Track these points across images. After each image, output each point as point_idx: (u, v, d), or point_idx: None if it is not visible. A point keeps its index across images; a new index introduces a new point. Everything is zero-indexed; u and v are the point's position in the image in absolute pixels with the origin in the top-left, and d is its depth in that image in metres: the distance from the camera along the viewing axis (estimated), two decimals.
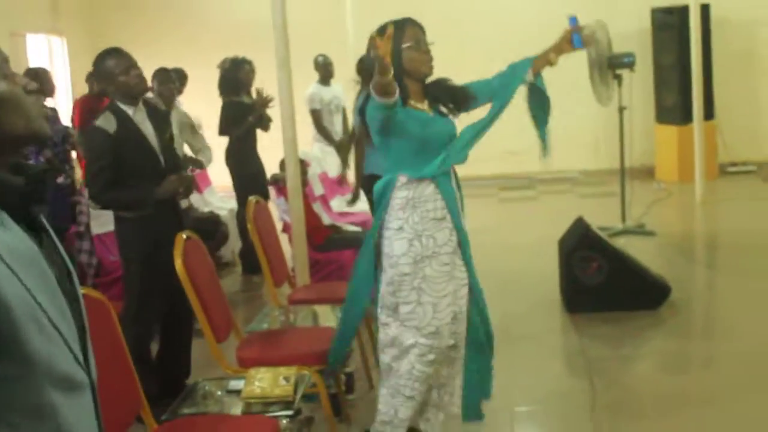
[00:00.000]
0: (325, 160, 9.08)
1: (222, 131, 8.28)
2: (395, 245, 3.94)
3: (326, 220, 7.42)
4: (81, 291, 1.76)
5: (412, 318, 3.94)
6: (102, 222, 6.81)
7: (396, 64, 3.76)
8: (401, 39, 3.87)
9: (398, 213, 3.95)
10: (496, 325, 6.18)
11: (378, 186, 4.04)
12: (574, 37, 4.18)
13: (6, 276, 1.48)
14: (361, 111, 4.03)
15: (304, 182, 6.64)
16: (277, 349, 4.33)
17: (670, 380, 5.22)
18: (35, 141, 1.67)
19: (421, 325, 3.93)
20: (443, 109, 4.09)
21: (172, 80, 6.93)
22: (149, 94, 6.16)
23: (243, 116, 8.10)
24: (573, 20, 4.21)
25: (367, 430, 4.22)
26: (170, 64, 8.79)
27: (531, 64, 4.18)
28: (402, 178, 3.95)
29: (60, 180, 7.26)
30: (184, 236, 4.18)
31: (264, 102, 7.69)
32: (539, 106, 4.32)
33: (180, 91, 8.39)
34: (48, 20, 12.23)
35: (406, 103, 3.90)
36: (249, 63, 8.47)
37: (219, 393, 3.88)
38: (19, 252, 1.52)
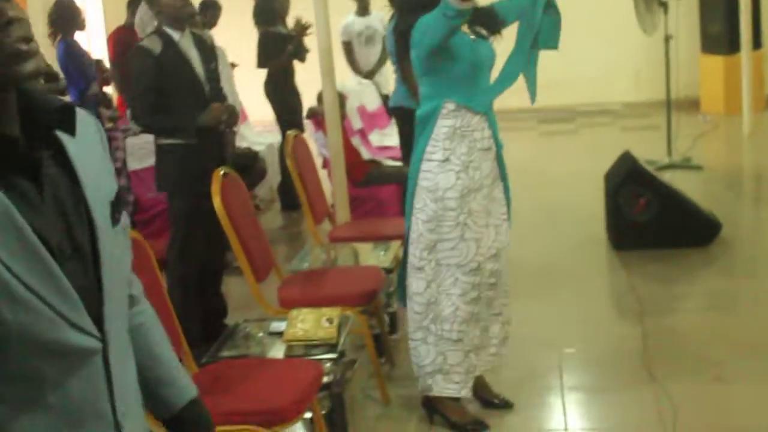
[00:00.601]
0: (364, 93, 8.87)
1: (260, 63, 8.11)
2: (440, 178, 3.70)
3: (365, 154, 7.25)
4: (112, 241, 1.57)
5: (454, 255, 3.74)
6: (139, 157, 6.69)
7: None
8: None
9: (444, 143, 3.71)
10: (539, 262, 6.11)
11: (420, 114, 3.80)
12: None
13: None
14: (401, 33, 3.80)
15: (343, 116, 6.46)
16: (319, 289, 4.20)
17: (723, 320, 5.05)
18: (11, 81, 1.45)
19: (464, 262, 3.73)
20: (483, 33, 3.87)
21: (198, 11, 6.73)
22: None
23: (281, 47, 7.91)
24: None
25: (426, 396, 3.98)
26: None
27: None
28: (449, 105, 3.71)
29: (108, 114, 7.16)
30: (222, 173, 4.04)
31: (302, 31, 7.49)
32: (549, 26, 3.91)
33: (213, 24, 8.19)
34: None
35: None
36: None
37: (260, 335, 3.76)
38: None
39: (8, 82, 1.44)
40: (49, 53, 7.31)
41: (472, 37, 3.77)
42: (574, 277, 5.86)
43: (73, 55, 7.03)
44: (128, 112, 4.78)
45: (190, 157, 4.63)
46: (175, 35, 4.66)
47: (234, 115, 4.80)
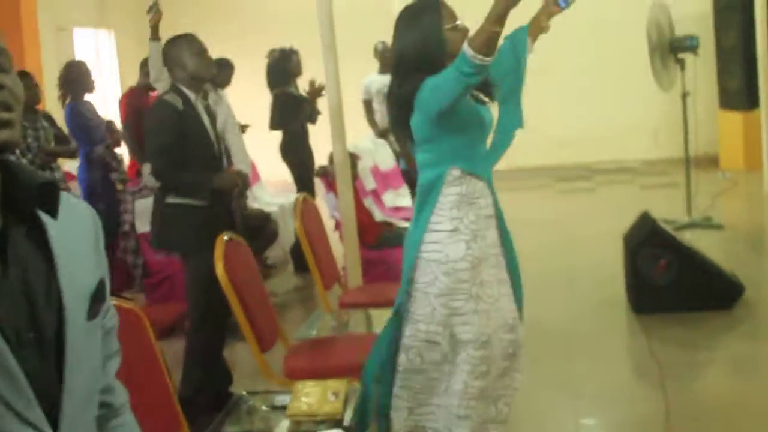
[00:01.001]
0: (378, 153, 8.78)
1: (274, 125, 8.06)
2: (450, 249, 3.49)
3: (378, 216, 7.13)
4: (83, 334, 1.46)
5: (465, 330, 3.50)
6: (147, 219, 6.59)
7: (439, 47, 3.45)
8: (441, 19, 3.49)
9: (451, 212, 3.51)
10: (556, 325, 5.94)
11: (423, 183, 3.59)
12: None
13: None
14: (400, 98, 3.59)
15: (354, 176, 6.35)
16: (327, 359, 4.05)
17: (747, 386, 4.86)
18: None
19: (475, 337, 3.50)
20: (481, 97, 3.70)
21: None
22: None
23: (295, 108, 7.86)
24: None
25: None
26: (216, 55, 8.58)
27: (527, 33, 3.77)
28: (455, 172, 3.52)
29: (113, 176, 7.08)
30: (225, 237, 3.92)
31: (316, 93, 7.44)
32: (516, 85, 3.75)
33: (227, 83, 8.16)
34: (95, 14, 12.10)
35: None
36: (296, 53, 8.22)
37: (264, 408, 3.62)
38: None
39: None
40: (60, 115, 7.29)
41: (472, 101, 3.63)
42: (592, 340, 5.69)
43: (78, 117, 7.00)
44: (145, 168, 4.68)
45: (198, 219, 4.54)
46: (192, 95, 4.62)
47: (246, 183, 4.72)
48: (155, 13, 5.54)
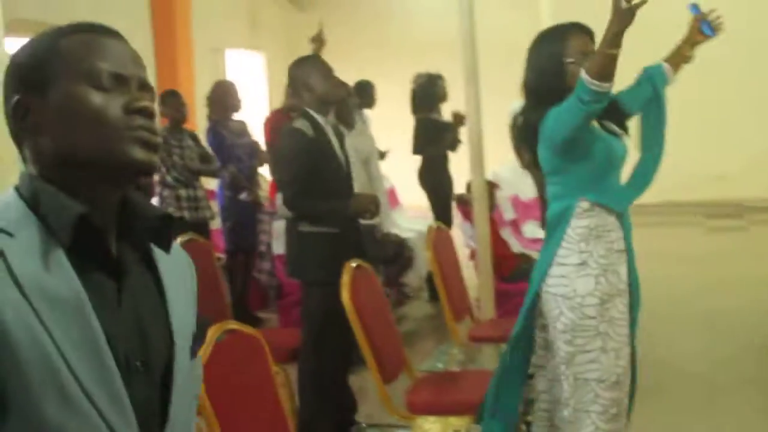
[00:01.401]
0: (519, 182, 8.60)
1: (416, 149, 8.01)
2: (578, 284, 3.35)
3: (516, 247, 6.96)
4: (188, 370, 1.47)
5: (593, 369, 3.35)
6: (284, 241, 6.61)
7: (557, 78, 3.32)
8: (564, 50, 3.36)
9: (579, 245, 3.37)
10: (694, 370, 5.64)
11: (551, 215, 3.47)
12: (702, 25, 3.57)
13: (24, 321, 1.21)
14: (526, 122, 3.49)
15: (493, 206, 6.22)
16: (451, 395, 3.91)
17: None
18: (119, 170, 1.38)
19: (604, 376, 3.34)
20: (613, 128, 3.52)
21: (351, 93, 6.62)
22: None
23: (437, 134, 7.80)
24: (695, 8, 3.61)
25: None
26: (359, 78, 8.61)
27: (664, 65, 3.57)
28: (584, 204, 3.37)
29: (242, 196, 7.14)
30: (353, 265, 3.85)
31: (460, 121, 7.38)
32: (657, 120, 3.58)
33: (370, 104, 8.16)
34: (247, 36, 12.35)
35: None
36: (442, 78, 8.16)
37: None
38: (58, 299, 1.25)
39: (119, 163, 1.36)
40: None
41: (602, 132, 3.47)
42: (737, 389, 5.36)
43: (216, 136, 7.08)
44: (278, 197, 4.63)
45: (330, 247, 4.45)
46: (320, 120, 4.53)
47: (378, 207, 4.59)
48: (318, 42, 5.52)
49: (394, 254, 7.16)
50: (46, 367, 1.22)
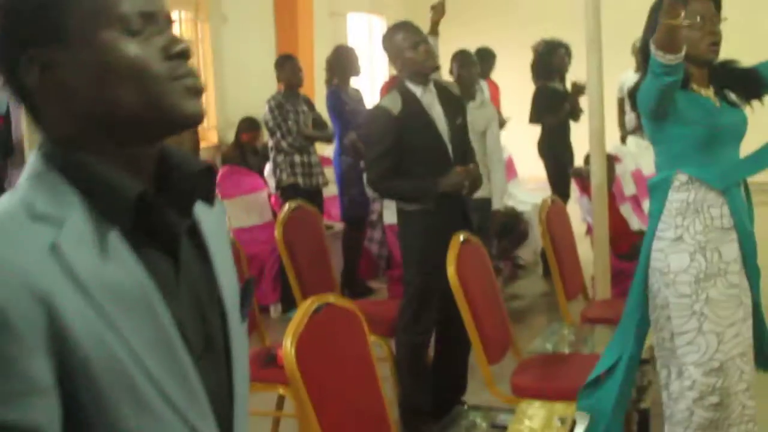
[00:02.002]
0: (642, 156, 8.26)
1: (533, 118, 7.78)
2: (671, 259, 3.19)
3: (635, 224, 6.66)
4: (242, 338, 1.32)
5: (690, 351, 3.17)
6: (395, 210, 6.49)
7: None
8: (681, 14, 3.14)
9: (675, 219, 3.20)
10: None
11: (650, 185, 3.34)
12: None
13: (91, 325, 1.06)
14: (631, 94, 3.34)
15: (612, 180, 5.95)
16: (558, 379, 3.71)
17: None
18: (168, 126, 1.21)
19: (702, 360, 3.15)
20: (732, 98, 3.31)
21: (474, 63, 6.41)
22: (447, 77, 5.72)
23: (556, 103, 7.55)
24: None
25: None
26: (485, 44, 8.41)
27: None
28: (681, 177, 3.20)
29: (363, 164, 7.04)
30: (461, 238, 3.69)
31: (579, 91, 7.13)
32: None
33: (487, 74, 7.94)
34: (368, 0, 12.23)
35: (687, 87, 3.19)
36: (565, 47, 7.87)
37: (484, 425, 3.36)
38: (123, 292, 1.10)
39: (170, 119, 1.20)
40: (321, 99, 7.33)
41: (717, 103, 3.24)
42: None
43: (337, 102, 6.98)
44: (365, 177, 4.49)
45: (430, 224, 4.27)
46: (417, 90, 4.31)
47: (477, 180, 4.38)
48: (438, 12, 5.34)
49: (507, 227, 6.96)
50: (120, 372, 1.09)
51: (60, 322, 1.04)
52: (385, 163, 4.25)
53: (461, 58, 6.38)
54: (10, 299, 1.02)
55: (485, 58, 8.01)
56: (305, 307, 2.74)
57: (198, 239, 1.29)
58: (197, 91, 1.21)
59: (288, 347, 2.59)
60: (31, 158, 1.19)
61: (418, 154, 4.25)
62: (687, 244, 3.18)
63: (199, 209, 1.29)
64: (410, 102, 4.27)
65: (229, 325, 1.29)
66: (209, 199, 1.27)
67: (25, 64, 1.17)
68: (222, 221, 1.38)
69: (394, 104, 4.26)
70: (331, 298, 2.89)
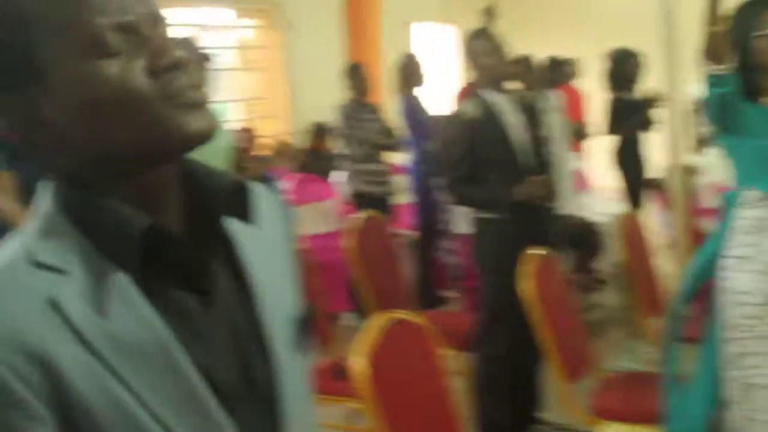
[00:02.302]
0: (721, 168, 8.02)
1: (607, 129, 7.62)
2: (739, 278, 3.03)
3: None
4: (297, 376, 1.15)
5: (759, 374, 3.01)
6: (463, 221, 6.38)
7: (742, 53, 2.97)
8: (752, 24, 2.97)
9: (743, 237, 3.04)
10: None
11: (721, 201, 3.21)
12: None
13: (98, 382, 0.94)
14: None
15: (692, 192, 5.77)
16: (640, 401, 3.54)
17: None
18: (172, 151, 1.04)
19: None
20: None
21: (533, 70, 6.27)
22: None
23: (629, 114, 7.38)
24: None
25: None
26: (558, 52, 8.29)
27: None
28: (752, 193, 3.05)
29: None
30: (536, 252, 3.57)
31: (651, 101, 6.95)
32: None
33: (556, 83, 7.80)
34: (438, 8, 12.13)
35: (756, 100, 3.02)
36: (636, 56, 7.69)
37: None
38: (134, 345, 0.97)
39: (171, 145, 1.02)
40: (392, 108, 7.26)
41: None
42: None
43: (413, 110, 6.90)
44: (441, 182, 4.41)
45: (504, 234, 4.18)
46: (494, 98, 4.22)
47: (552, 190, 4.26)
48: (490, 16, 5.24)
49: (581, 239, 6.79)
50: (133, 427, 0.96)
51: (59, 376, 0.93)
52: (461, 168, 4.19)
53: (521, 63, 6.25)
54: (8, 363, 0.91)
55: (556, 66, 7.87)
56: (376, 324, 2.65)
57: (234, 262, 1.13)
58: (198, 104, 1.03)
59: (358, 365, 2.50)
60: (40, 195, 1.06)
61: (491, 162, 4.18)
62: (756, 264, 3.03)
63: (242, 230, 1.14)
64: (486, 109, 4.20)
65: (276, 364, 1.12)
66: (243, 215, 1.12)
67: (6, 109, 1.03)
68: (276, 221, 1.23)
69: (471, 110, 4.19)
70: (403, 314, 2.79)
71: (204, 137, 1.03)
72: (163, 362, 0.98)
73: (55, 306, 0.95)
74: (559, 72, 7.87)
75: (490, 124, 4.18)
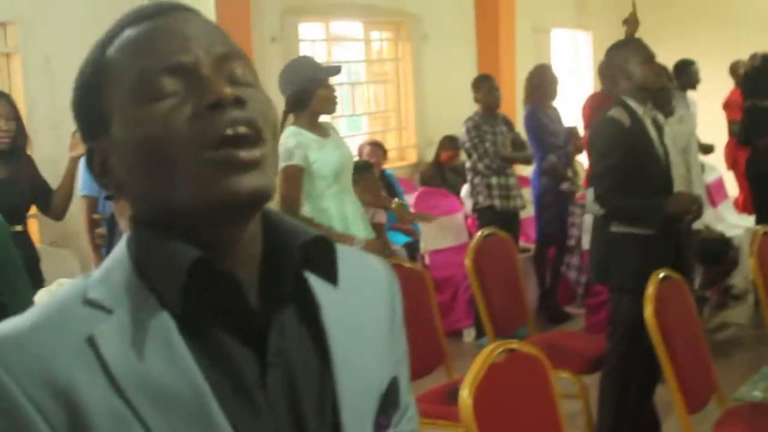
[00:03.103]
0: None
1: (742, 138, 7.33)
2: None
3: None
4: None
5: None
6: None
7: None
8: None
9: None
10: None
11: None
12: None
13: (118, 417, 0.91)
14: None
15: None
16: None
17: None
18: (221, 213, 0.96)
19: None
20: None
21: (668, 75, 6.07)
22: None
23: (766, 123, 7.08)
24: None
25: None
26: (697, 58, 8.04)
27: None
28: None
29: (564, 186, 6.83)
30: (661, 275, 3.47)
31: None
32: None
33: (690, 86, 7.57)
34: (574, 15, 11.93)
35: None
36: None
37: None
38: (168, 395, 0.92)
39: (229, 210, 0.96)
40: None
41: None
42: None
43: (536, 122, 6.81)
44: (588, 193, 4.25)
45: (644, 251, 4.03)
46: (638, 109, 4.11)
47: (701, 207, 4.11)
48: (632, 24, 5.11)
49: (715, 254, 6.55)
50: None
51: (83, 417, 0.90)
52: (614, 177, 4.05)
53: None
54: (35, 398, 0.90)
55: (685, 69, 7.64)
56: (486, 353, 2.61)
57: (314, 324, 1.05)
58: (247, 162, 0.95)
59: (465, 397, 2.46)
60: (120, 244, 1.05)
61: (641, 174, 4.05)
62: None
63: (328, 292, 1.06)
64: (635, 119, 4.10)
65: None
66: (330, 275, 1.05)
67: (88, 158, 1.05)
68: (381, 297, 1.15)
69: (624, 118, 4.08)
70: (515, 344, 2.74)
71: (252, 200, 0.96)
72: (195, 414, 0.93)
73: (91, 342, 0.93)
74: (686, 76, 7.64)
75: (639, 134, 4.07)
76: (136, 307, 0.96)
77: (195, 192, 0.94)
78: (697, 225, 5.22)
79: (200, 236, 0.98)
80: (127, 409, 0.91)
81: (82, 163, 5.26)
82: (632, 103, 4.12)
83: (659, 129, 4.22)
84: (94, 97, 1.01)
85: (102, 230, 4.72)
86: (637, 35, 5.01)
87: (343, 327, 1.06)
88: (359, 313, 1.10)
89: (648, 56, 4.16)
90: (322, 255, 1.04)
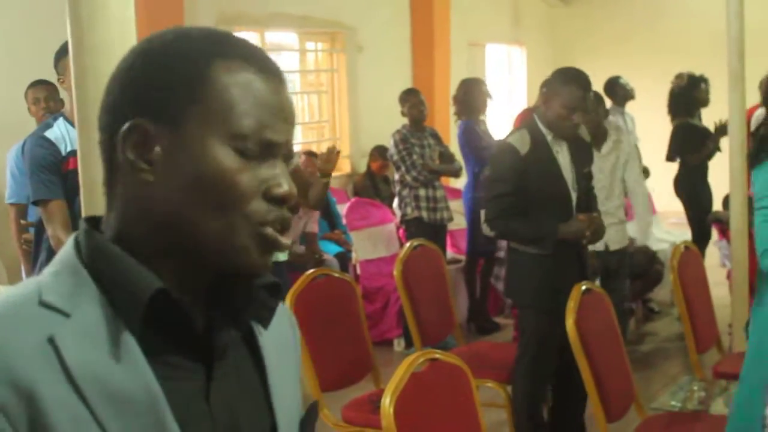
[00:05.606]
0: None
1: (670, 156, 7.48)
2: None
3: None
4: None
5: None
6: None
7: None
8: None
9: None
10: None
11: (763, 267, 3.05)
12: None
13: (75, 414, 0.95)
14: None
15: (751, 223, 5.63)
16: None
17: None
18: (227, 267, 1.08)
19: None
20: None
21: (598, 101, 6.21)
22: None
23: (695, 141, 7.24)
24: None
25: None
26: (625, 75, 8.21)
27: None
28: None
29: None
30: (583, 288, 3.52)
31: (723, 130, 6.79)
32: None
33: (620, 103, 7.74)
34: (509, 30, 12.09)
35: None
36: (706, 81, 7.54)
37: None
38: (123, 396, 0.97)
39: (232, 267, 1.07)
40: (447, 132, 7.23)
41: None
42: None
43: (469, 136, 6.85)
44: (482, 214, 4.32)
45: (544, 268, 4.08)
46: (548, 134, 4.10)
47: (599, 229, 4.16)
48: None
49: (640, 268, 6.67)
50: None
51: (41, 413, 0.94)
52: (505, 202, 4.09)
53: None
54: None
55: (612, 86, 7.82)
56: (409, 363, 2.65)
57: (256, 351, 1.16)
58: (273, 246, 1.07)
59: (387, 405, 2.49)
60: (67, 241, 1.09)
61: (540, 198, 4.08)
62: None
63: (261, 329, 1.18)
64: (538, 144, 4.09)
65: None
66: (265, 319, 1.14)
67: (125, 131, 1.05)
68: (290, 336, 1.26)
69: (522, 143, 4.07)
70: (438, 353, 2.78)
71: (253, 273, 1.08)
72: (150, 419, 0.98)
73: (52, 343, 0.96)
74: (616, 94, 7.81)
75: (540, 160, 4.07)
76: (94, 312, 1.01)
77: (230, 247, 1.05)
78: (598, 246, 5.15)
79: (175, 268, 1.06)
80: (86, 410, 0.95)
81: (7, 171, 5.21)
82: (543, 128, 4.10)
83: (582, 153, 4.22)
84: (178, 91, 1.05)
85: (29, 235, 4.68)
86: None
87: (273, 353, 1.17)
88: (280, 343, 1.20)
89: (580, 105, 4.05)
90: (265, 299, 1.13)
